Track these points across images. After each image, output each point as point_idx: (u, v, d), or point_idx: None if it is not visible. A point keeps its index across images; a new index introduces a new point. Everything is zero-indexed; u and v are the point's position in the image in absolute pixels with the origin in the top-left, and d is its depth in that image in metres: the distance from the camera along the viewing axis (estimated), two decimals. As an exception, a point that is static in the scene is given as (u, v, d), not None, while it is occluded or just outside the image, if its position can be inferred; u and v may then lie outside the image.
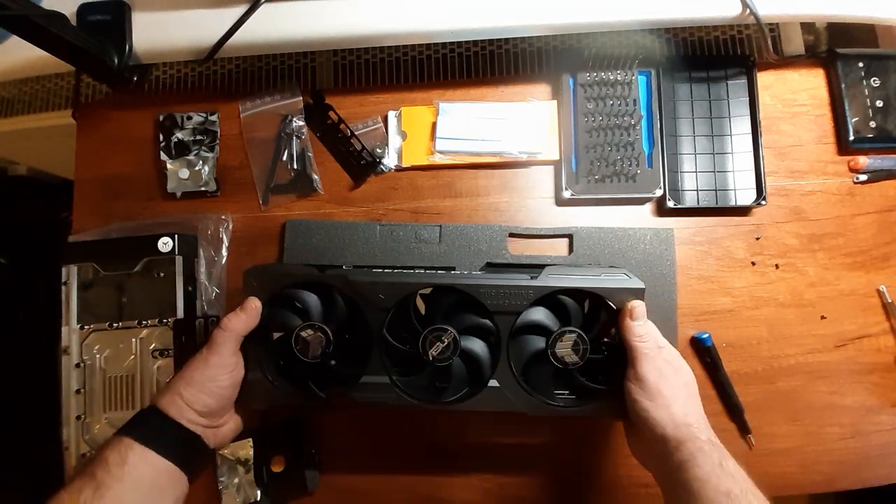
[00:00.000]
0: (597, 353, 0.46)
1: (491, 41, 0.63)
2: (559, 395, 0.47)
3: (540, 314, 0.46)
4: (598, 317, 0.46)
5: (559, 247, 0.58)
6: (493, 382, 0.45)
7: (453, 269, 0.52)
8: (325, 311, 0.47)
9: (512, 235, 0.58)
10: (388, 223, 0.58)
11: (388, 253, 0.57)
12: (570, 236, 0.58)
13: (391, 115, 0.60)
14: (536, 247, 0.58)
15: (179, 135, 0.60)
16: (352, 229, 0.58)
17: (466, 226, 0.58)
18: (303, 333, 0.44)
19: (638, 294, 0.45)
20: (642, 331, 0.43)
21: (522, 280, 0.45)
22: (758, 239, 0.58)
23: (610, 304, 0.45)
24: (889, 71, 0.60)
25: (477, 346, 0.46)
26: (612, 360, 0.46)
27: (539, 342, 0.45)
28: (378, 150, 0.59)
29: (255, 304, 0.45)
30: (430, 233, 0.58)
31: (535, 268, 0.47)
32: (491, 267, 0.56)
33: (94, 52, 0.53)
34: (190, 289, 0.55)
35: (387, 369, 0.46)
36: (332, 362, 0.46)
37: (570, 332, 0.44)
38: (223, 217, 0.59)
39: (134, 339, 0.54)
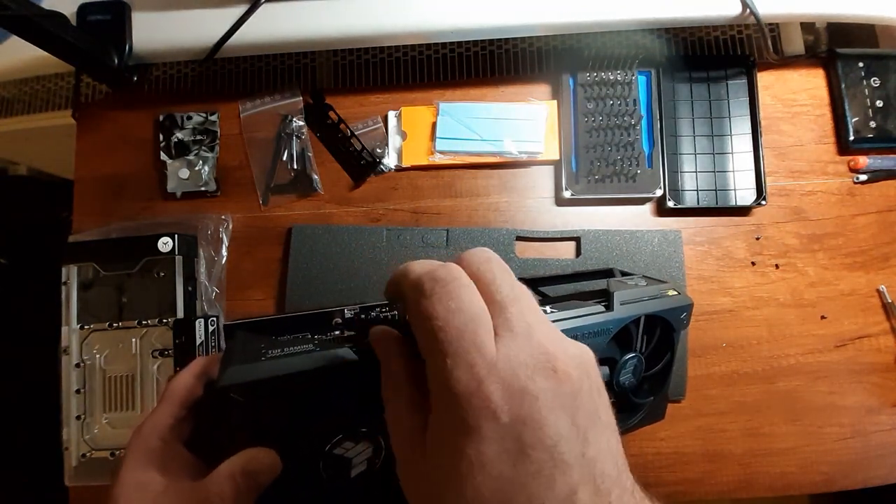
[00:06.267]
0: (648, 370, 0.43)
1: (491, 41, 0.63)
2: None
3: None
4: (654, 334, 0.42)
5: (565, 249, 0.58)
6: None
7: None
8: (360, 403, 0.28)
9: (519, 239, 0.58)
10: (394, 227, 0.58)
11: (395, 257, 0.57)
12: (577, 239, 0.58)
13: (391, 115, 0.60)
14: (542, 249, 0.58)
15: (179, 135, 0.60)
16: (358, 234, 0.57)
17: (473, 229, 0.57)
18: (337, 450, 0.28)
19: (688, 311, 0.43)
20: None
21: (605, 315, 0.37)
22: (758, 239, 0.58)
23: (669, 321, 0.42)
24: (889, 71, 0.60)
25: None
26: (659, 371, 0.43)
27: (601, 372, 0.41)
28: (378, 150, 0.59)
29: (177, 384, 0.30)
30: (436, 236, 0.58)
31: (580, 276, 0.42)
32: (524, 282, 0.52)
33: (94, 52, 0.53)
34: (190, 289, 0.55)
35: None
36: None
37: (632, 357, 0.40)
38: (223, 217, 0.59)
39: (134, 339, 0.54)
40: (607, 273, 0.51)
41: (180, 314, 0.53)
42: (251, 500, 0.26)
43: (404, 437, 0.22)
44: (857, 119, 0.59)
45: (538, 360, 0.20)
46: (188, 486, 0.26)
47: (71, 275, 0.55)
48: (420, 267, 0.23)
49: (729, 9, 0.53)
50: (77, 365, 0.54)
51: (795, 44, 0.63)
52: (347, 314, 0.42)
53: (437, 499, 0.20)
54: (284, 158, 0.60)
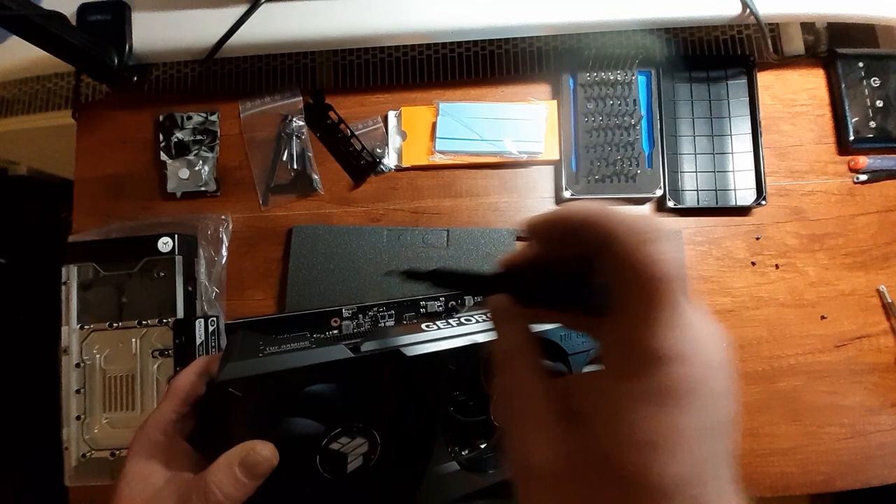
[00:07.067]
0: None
1: (491, 41, 0.63)
2: None
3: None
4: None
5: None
6: None
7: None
8: (355, 399, 0.30)
9: (519, 239, 0.58)
10: (394, 227, 0.58)
11: (395, 257, 0.57)
12: (576, 239, 0.57)
13: (391, 115, 0.60)
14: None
15: (179, 135, 0.60)
16: (359, 234, 0.57)
17: (474, 229, 0.57)
18: (333, 445, 0.29)
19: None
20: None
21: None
22: (758, 239, 0.58)
23: None
24: (889, 71, 0.60)
25: None
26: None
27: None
28: (378, 150, 0.59)
29: (179, 382, 0.31)
30: (437, 237, 0.58)
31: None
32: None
33: (94, 52, 0.53)
34: (190, 289, 0.55)
35: (454, 454, 0.35)
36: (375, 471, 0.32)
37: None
38: (223, 217, 0.59)
39: (134, 339, 0.54)
40: None
41: (180, 314, 0.53)
42: (249, 491, 0.26)
43: (530, 406, 0.20)
44: (857, 119, 0.59)
45: (714, 328, 0.20)
46: (189, 478, 0.27)
47: (71, 275, 0.55)
48: (623, 212, 0.19)
49: (729, 9, 0.53)
50: (77, 365, 0.54)
51: (795, 44, 0.63)
52: (345, 314, 0.43)
53: (616, 473, 0.18)
54: (284, 158, 0.60)
